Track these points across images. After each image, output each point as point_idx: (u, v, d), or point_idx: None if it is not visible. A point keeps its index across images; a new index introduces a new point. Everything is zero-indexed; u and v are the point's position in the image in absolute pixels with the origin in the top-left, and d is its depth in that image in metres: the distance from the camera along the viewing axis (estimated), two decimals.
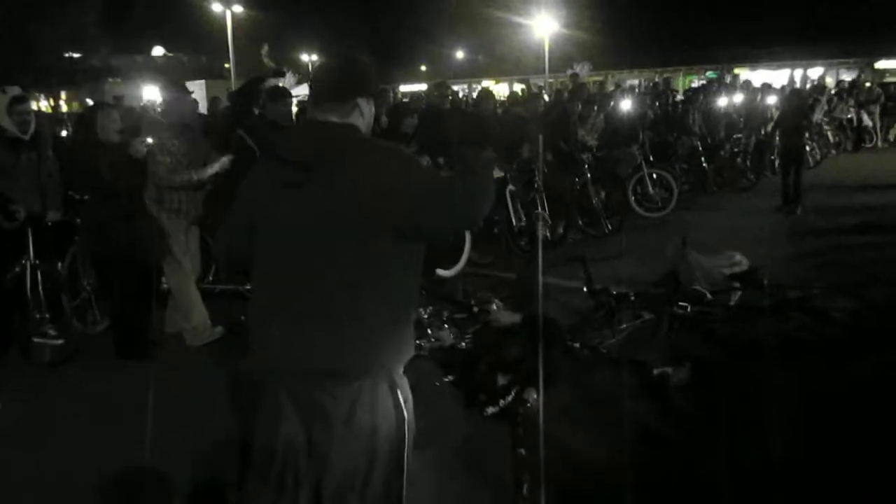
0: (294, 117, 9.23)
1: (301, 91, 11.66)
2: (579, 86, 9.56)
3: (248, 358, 2.36)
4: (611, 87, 17.85)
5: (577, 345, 5.28)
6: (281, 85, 6.85)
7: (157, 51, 41.48)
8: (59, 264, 6.15)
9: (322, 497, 2.31)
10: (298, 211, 2.22)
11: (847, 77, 30.92)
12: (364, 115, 2.36)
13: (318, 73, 2.45)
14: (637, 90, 20.32)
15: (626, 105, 10.03)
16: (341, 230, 2.17)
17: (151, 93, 23.70)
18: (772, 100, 13.77)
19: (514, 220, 8.39)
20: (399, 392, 2.31)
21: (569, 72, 17.76)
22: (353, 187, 2.17)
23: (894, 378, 4.78)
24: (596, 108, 10.58)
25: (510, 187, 8.45)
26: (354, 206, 2.15)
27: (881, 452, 3.86)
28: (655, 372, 4.78)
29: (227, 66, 34.29)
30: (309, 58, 42.89)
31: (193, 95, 6.58)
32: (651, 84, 24.89)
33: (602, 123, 10.50)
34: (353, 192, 2.16)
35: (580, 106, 9.82)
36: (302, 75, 11.50)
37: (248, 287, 6.60)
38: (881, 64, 38.59)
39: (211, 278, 6.82)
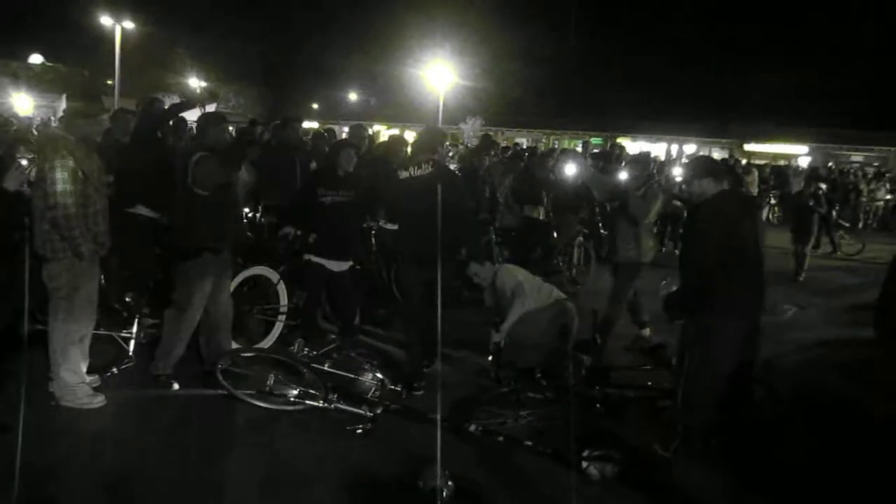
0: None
1: (192, 116, 10.98)
2: (490, 143, 9.43)
3: None
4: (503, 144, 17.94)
5: (474, 427, 4.99)
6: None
7: (35, 58, 38.96)
8: None
9: None
10: None
11: (718, 155, 32.87)
12: None
13: None
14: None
15: (570, 170, 9.39)
16: None
17: (23, 102, 22.08)
18: (674, 171, 14.05)
19: None
20: None
21: (461, 125, 17.69)
22: None
23: None
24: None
25: None
26: None
27: None
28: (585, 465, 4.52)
29: (109, 82, 32.58)
30: (198, 84, 41.49)
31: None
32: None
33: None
34: None
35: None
36: (194, 100, 10.84)
37: (126, 332, 6.06)
38: (749, 146, 41.29)
39: None
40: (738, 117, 40.11)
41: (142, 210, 6.72)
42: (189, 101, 7.04)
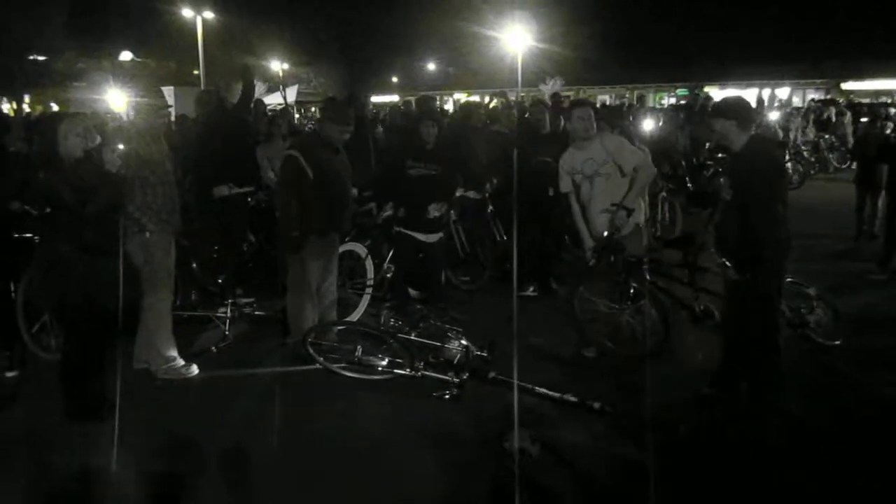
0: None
1: (273, 100, 11.18)
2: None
3: None
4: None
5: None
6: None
7: (125, 55, 40.55)
8: (13, 286, 5.70)
9: None
10: None
11: (816, 96, 31.23)
12: None
13: None
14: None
15: (649, 126, 8.85)
16: None
17: (117, 98, 23.10)
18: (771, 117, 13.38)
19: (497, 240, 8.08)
20: None
21: (541, 86, 17.19)
22: None
23: None
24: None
25: (490, 208, 8.13)
26: None
27: None
28: None
29: (195, 72, 33.63)
30: (280, 66, 42.25)
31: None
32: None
33: None
34: None
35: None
36: (273, 84, 11.22)
37: (221, 312, 6.33)
38: (847, 85, 39.13)
39: (178, 302, 6.31)
40: (833, 54, 37.95)
41: (232, 190, 6.94)
42: (250, 83, 7.13)
